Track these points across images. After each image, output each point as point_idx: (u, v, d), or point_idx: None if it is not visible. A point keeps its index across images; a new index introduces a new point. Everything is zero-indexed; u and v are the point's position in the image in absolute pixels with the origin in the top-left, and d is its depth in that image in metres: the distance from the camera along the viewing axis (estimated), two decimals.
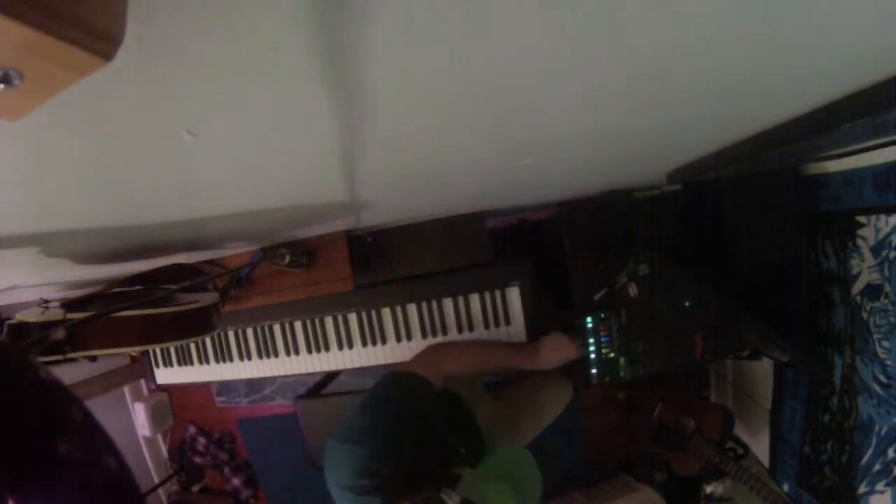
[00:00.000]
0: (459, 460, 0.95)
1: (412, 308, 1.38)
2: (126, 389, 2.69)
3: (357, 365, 1.43)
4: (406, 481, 0.85)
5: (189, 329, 0.92)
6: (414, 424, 0.94)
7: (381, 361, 1.41)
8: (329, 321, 1.42)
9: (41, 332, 0.65)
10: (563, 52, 0.41)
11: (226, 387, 2.67)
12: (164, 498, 2.78)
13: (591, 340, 1.31)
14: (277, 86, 0.38)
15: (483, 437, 1.08)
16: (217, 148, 0.50)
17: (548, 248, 1.68)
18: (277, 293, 1.40)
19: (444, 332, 1.37)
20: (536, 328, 1.33)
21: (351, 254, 1.35)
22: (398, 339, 1.39)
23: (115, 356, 2.52)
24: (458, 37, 0.36)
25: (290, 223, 1.15)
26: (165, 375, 1.63)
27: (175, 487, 2.82)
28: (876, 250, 1.15)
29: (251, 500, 2.72)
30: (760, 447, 1.77)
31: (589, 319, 1.31)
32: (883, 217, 1.11)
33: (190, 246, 1.17)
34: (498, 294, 1.34)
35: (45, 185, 0.51)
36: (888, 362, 1.15)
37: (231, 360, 1.52)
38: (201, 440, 2.74)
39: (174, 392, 2.78)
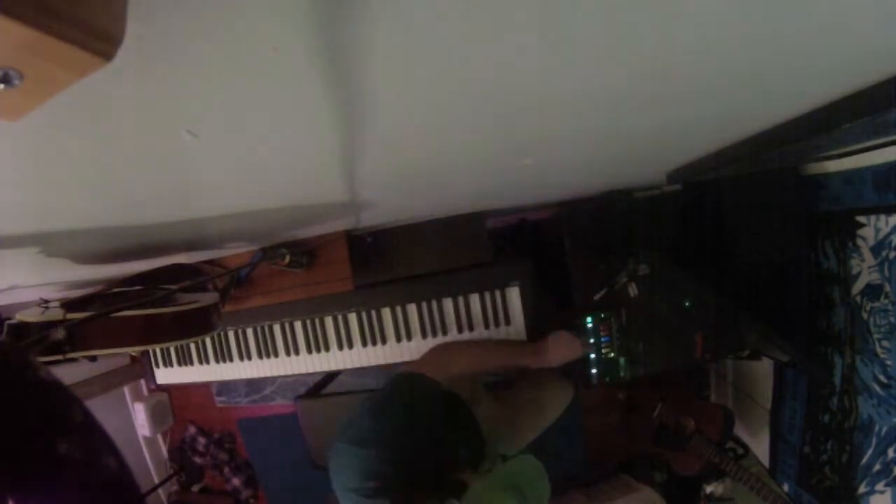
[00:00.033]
0: (461, 463, 0.95)
1: (412, 308, 1.38)
2: (126, 389, 2.69)
3: (357, 365, 1.43)
4: (412, 484, 0.85)
5: (189, 329, 0.92)
6: (421, 426, 0.94)
7: (381, 361, 1.41)
8: (329, 321, 1.42)
9: (41, 332, 0.65)
10: (562, 51, 0.41)
11: (226, 387, 2.67)
12: (164, 498, 2.78)
13: (591, 340, 1.32)
14: (277, 86, 0.38)
15: (484, 438, 1.08)
16: (217, 148, 0.50)
17: (548, 248, 1.68)
18: (277, 293, 1.40)
19: (444, 332, 1.37)
20: (536, 328, 1.33)
21: (351, 254, 1.35)
22: (398, 339, 1.39)
23: (115, 356, 2.52)
24: (457, 37, 0.36)
25: (290, 223, 1.15)
26: (165, 375, 1.63)
27: (175, 487, 2.82)
28: (876, 250, 1.14)
29: (251, 500, 2.72)
30: (760, 447, 1.77)
31: (589, 319, 1.31)
32: (883, 217, 1.11)
33: (190, 246, 1.17)
34: (498, 294, 1.34)
35: (45, 185, 0.51)
36: (888, 362, 1.15)
37: (231, 360, 1.52)
38: (201, 440, 2.74)
39: (174, 392, 2.77)
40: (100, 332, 0.79)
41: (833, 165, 1.22)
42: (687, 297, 1.30)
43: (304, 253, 1.33)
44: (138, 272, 1.11)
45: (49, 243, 0.76)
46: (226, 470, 2.70)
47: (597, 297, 1.30)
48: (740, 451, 1.79)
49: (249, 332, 1.49)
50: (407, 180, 0.87)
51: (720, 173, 1.16)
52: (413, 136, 0.59)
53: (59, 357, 0.69)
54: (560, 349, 1.22)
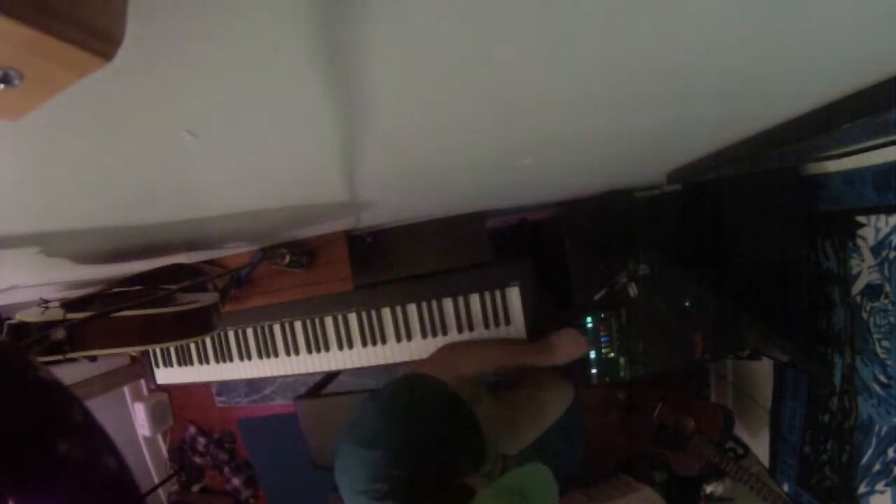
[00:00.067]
0: (463, 464, 0.95)
1: (412, 308, 1.38)
2: (126, 389, 2.69)
3: (357, 365, 1.43)
4: (420, 486, 0.85)
5: (189, 329, 0.92)
6: (428, 428, 0.94)
7: (381, 361, 1.41)
8: (329, 321, 1.42)
9: (41, 332, 0.65)
10: (562, 51, 0.41)
11: (226, 387, 2.67)
12: (164, 498, 2.78)
13: (592, 339, 1.32)
14: (277, 86, 0.38)
15: (485, 439, 1.08)
16: (217, 148, 0.50)
17: (548, 248, 1.68)
18: (277, 293, 1.40)
19: (444, 333, 1.37)
20: (536, 328, 1.33)
21: (351, 254, 1.35)
22: (398, 339, 1.39)
23: (115, 356, 2.52)
24: (457, 37, 0.36)
25: (290, 223, 1.15)
26: (165, 375, 1.63)
27: (175, 487, 2.82)
28: (876, 250, 1.14)
29: (251, 500, 2.72)
30: (760, 447, 1.77)
31: (589, 319, 1.31)
32: (883, 217, 1.11)
33: (190, 246, 1.17)
34: (498, 294, 1.34)
35: (46, 185, 0.51)
36: (888, 362, 1.15)
37: (231, 360, 1.52)
38: (201, 440, 2.74)
39: (174, 392, 2.77)
40: (100, 332, 0.79)
41: (833, 165, 1.22)
42: (687, 297, 1.30)
43: (304, 253, 1.33)
44: (138, 272, 1.11)
45: (49, 243, 0.76)
46: (226, 470, 2.70)
47: (597, 297, 1.30)
48: (740, 451, 1.79)
49: (249, 332, 1.49)
50: (407, 180, 0.87)
51: (720, 173, 1.16)
52: (413, 136, 0.59)
53: (59, 357, 0.69)
54: (567, 346, 1.24)
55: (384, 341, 1.40)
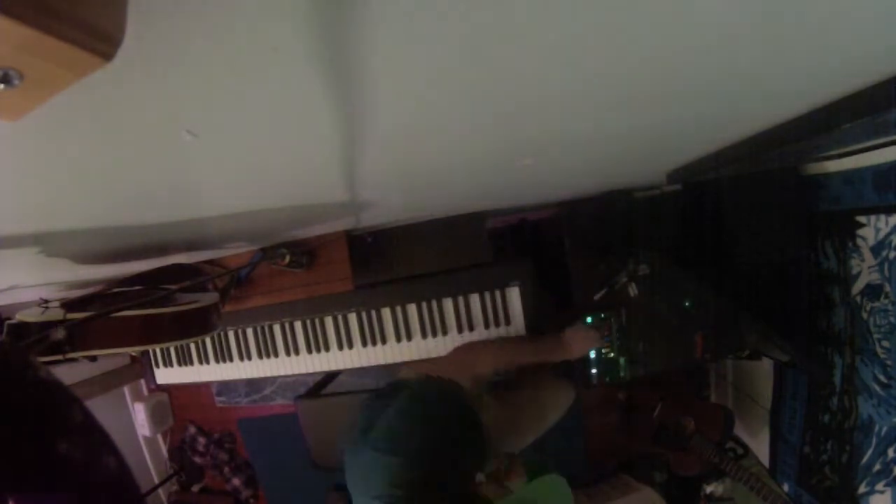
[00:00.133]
0: (473, 469, 0.95)
1: (412, 308, 1.38)
2: (126, 389, 2.69)
3: (357, 365, 1.43)
4: (438, 492, 0.85)
5: (189, 329, 0.92)
6: (447, 435, 0.94)
7: (381, 361, 1.41)
8: (329, 321, 1.42)
9: (41, 332, 0.65)
10: (562, 51, 0.41)
11: (226, 387, 2.67)
12: (164, 498, 2.78)
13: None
14: (277, 86, 0.38)
15: (487, 440, 1.08)
16: (217, 148, 0.50)
17: (548, 248, 1.68)
18: (277, 293, 1.40)
19: (445, 333, 1.37)
20: (537, 328, 1.33)
21: (351, 254, 1.35)
22: (398, 339, 1.39)
23: (115, 356, 2.52)
24: (457, 37, 0.36)
25: (290, 223, 1.15)
26: (165, 375, 1.63)
27: (175, 487, 2.82)
28: (876, 250, 1.14)
29: (251, 500, 2.72)
30: (760, 447, 1.77)
31: (589, 319, 1.31)
32: (883, 217, 1.11)
33: (190, 246, 1.17)
34: (498, 294, 1.34)
35: (46, 185, 0.51)
36: (888, 362, 1.15)
37: (231, 360, 1.52)
38: (201, 440, 2.74)
39: (174, 392, 2.77)
40: (100, 332, 0.79)
41: (833, 165, 1.22)
42: (687, 297, 1.30)
43: (304, 253, 1.33)
44: (138, 272, 1.12)
45: (49, 243, 0.76)
46: (226, 470, 2.70)
47: (597, 297, 1.30)
48: (740, 451, 1.79)
49: (249, 332, 1.49)
50: (407, 180, 0.87)
51: (720, 173, 1.16)
52: (413, 136, 0.59)
53: (59, 357, 0.69)
54: (580, 341, 1.25)
55: (384, 341, 1.40)
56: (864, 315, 1.20)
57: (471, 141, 0.65)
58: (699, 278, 1.30)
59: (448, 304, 1.36)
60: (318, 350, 1.44)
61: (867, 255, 1.17)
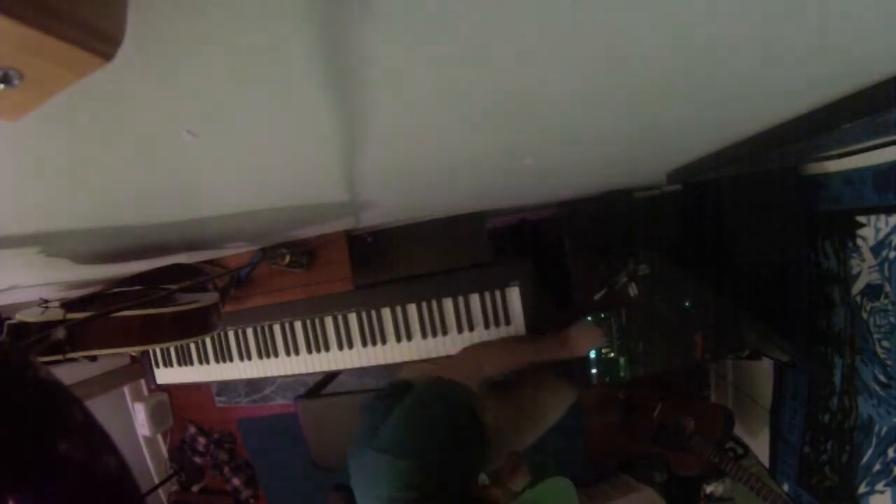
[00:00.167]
0: (475, 471, 0.95)
1: (412, 308, 1.38)
2: (126, 389, 2.69)
3: (357, 365, 1.43)
4: (445, 495, 0.85)
5: (189, 329, 0.92)
6: (455, 437, 0.94)
7: (381, 361, 1.41)
8: (329, 321, 1.42)
9: (41, 332, 0.65)
10: (563, 52, 0.41)
11: (226, 387, 2.67)
12: (164, 498, 2.78)
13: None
14: (277, 85, 0.38)
15: (488, 442, 1.08)
16: (217, 148, 0.50)
17: (548, 248, 1.68)
18: (277, 293, 1.40)
19: (445, 333, 1.37)
20: (537, 328, 1.33)
21: (351, 254, 1.35)
22: (398, 339, 1.39)
23: (115, 356, 2.52)
24: (457, 37, 0.36)
25: (290, 223, 1.15)
26: (165, 375, 1.63)
27: (175, 487, 2.82)
28: (876, 250, 1.14)
29: (251, 500, 2.72)
30: (760, 447, 1.77)
31: (589, 319, 1.31)
32: (883, 217, 1.11)
33: (190, 246, 1.17)
34: (498, 294, 1.34)
35: (46, 185, 0.51)
36: (888, 362, 1.15)
37: (231, 360, 1.52)
38: (201, 440, 2.74)
39: (174, 392, 2.77)
40: (100, 332, 0.79)
41: (833, 165, 1.22)
42: (687, 297, 1.30)
43: (304, 253, 1.33)
44: (138, 272, 1.11)
45: (49, 243, 0.76)
46: (226, 470, 2.70)
47: (597, 297, 1.30)
48: (740, 451, 1.79)
49: (249, 332, 1.49)
50: (407, 180, 0.87)
51: (720, 173, 1.16)
52: (413, 136, 0.59)
53: (59, 357, 0.69)
54: (584, 338, 1.26)
55: (384, 341, 1.40)
56: (864, 315, 1.20)
57: (471, 141, 0.65)
58: (699, 278, 1.30)
59: (448, 304, 1.36)
60: (318, 350, 1.44)
61: (867, 255, 1.17)
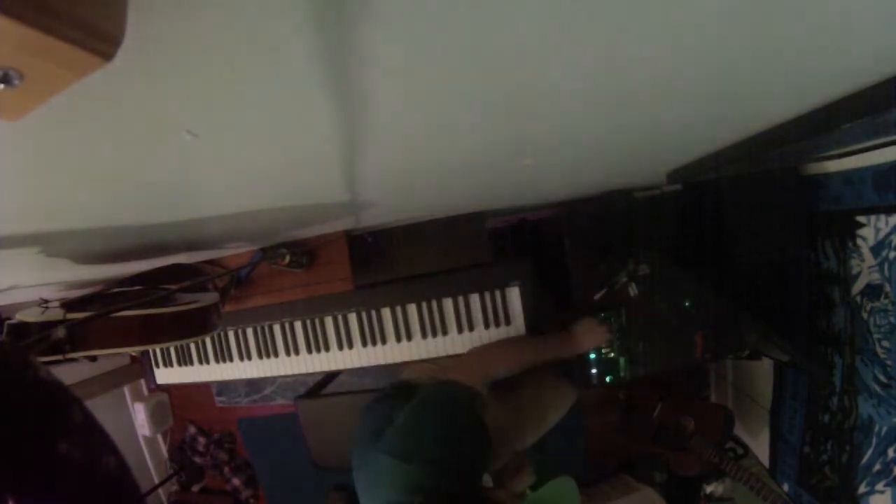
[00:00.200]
0: (479, 474, 0.95)
1: (412, 308, 1.38)
2: (126, 389, 2.69)
3: (357, 365, 1.43)
4: (452, 498, 0.85)
5: (189, 329, 0.92)
6: (462, 440, 0.94)
7: (381, 361, 1.41)
8: (329, 321, 1.42)
9: (41, 332, 0.65)
10: (563, 53, 0.41)
11: (226, 387, 2.67)
12: (164, 498, 2.78)
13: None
14: (277, 85, 0.38)
15: (490, 444, 1.08)
16: (217, 148, 0.50)
17: (548, 248, 1.68)
18: (277, 293, 1.40)
19: (445, 333, 1.37)
20: (537, 328, 1.33)
21: (351, 254, 1.35)
22: (398, 339, 1.39)
23: (115, 356, 2.52)
24: (457, 38, 0.36)
25: (290, 223, 1.15)
26: (165, 375, 1.63)
27: (175, 487, 2.82)
28: (876, 250, 1.14)
29: (251, 500, 2.72)
30: (760, 447, 1.77)
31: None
32: (883, 217, 1.11)
33: (190, 246, 1.17)
34: (498, 294, 1.34)
35: (45, 186, 0.51)
36: (888, 362, 1.15)
37: (231, 360, 1.52)
38: (201, 440, 2.74)
39: (174, 392, 2.77)
40: (100, 332, 0.79)
41: (833, 165, 1.22)
42: (687, 297, 1.30)
43: (304, 253, 1.33)
44: (138, 272, 1.12)
45: (49, 243, 0.76)
46: (226, 470, 2.70)
47: (597, 297, 1.30)
48: (740, 451, 1.79)
49: (249, 332, 1.49)
50: (407, 180, 0.87)
51: (720, 173, 1.16)
52: (412, 136, 0.59)
53: (59, 357, 0.69)
54: (588, 335, 1.26)
55: (384, 341, 1.40)
56: (864, 315, 1.20)
57: (470, 141, 0.65)
58: (699, 278, 1.30)
59: (448, 304, 1.36)
60: (318, 350, 1.44)
61: (867, 255, 1.17)
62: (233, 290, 1.37)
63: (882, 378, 1.18)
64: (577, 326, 1.27)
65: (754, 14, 0.39)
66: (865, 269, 1.18)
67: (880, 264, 1.14)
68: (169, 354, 1.60)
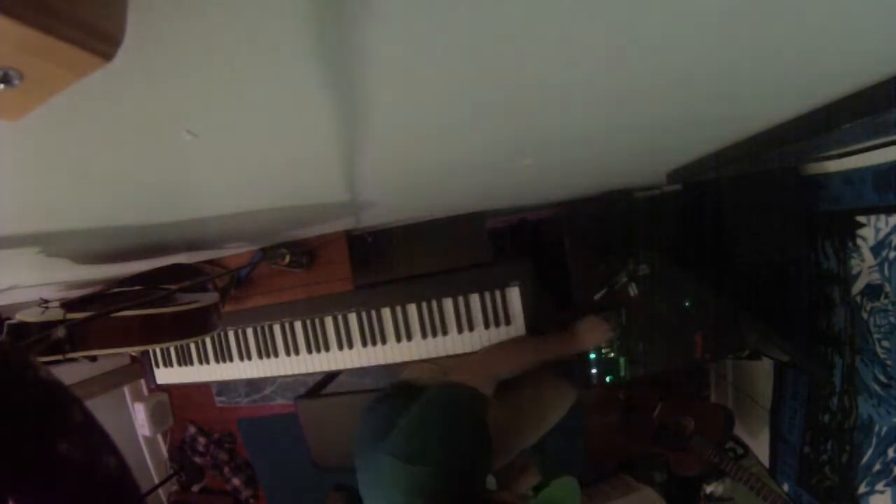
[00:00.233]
0: (484, 474, 0.95)
1: (412, 308, 1.38)
2: (126, 389, 2.69)
3: (357, 365, 1.43)
4: (454, 501, 0.85)
5: (189, 329, 0.92)
6: (468, 443, 0.94)
7: (381, 361, 1.41)
8: (329, 321, 1.42)
9: (41, 332, 0.65)
10: (563, 53, 0.41)
11: (226, 387, 2.67)
12: (164, 498, 2.78)
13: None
14: (278, 85, 0.38)
15: (491, 446, 1.07)
16: (217, 148, 0.50)
17: (548, 248, 1.68)
18: (277, 293, 1.40)
19: (445, 333, 1.37)
20: (537, 328, 1.33)
21: (351, 254, 1.35)
22: (398, 339, 1.39)
23: (115, 356, 2.52)
24: (457, 37, 0.36)
25: (290, 223, 1.15)
26: (165, 375, 1.63)
27: (175, 487, 2.82)
28: (876, 250, 1.14)
29: (251, 500, 2.72)
30: (760, 447, 1.77)
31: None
32: (883, 217, 1.11)
33: (190, 246, 1.17)
34: (498, 294, 1.34)
35: (45, 186, 0.51)
36: (888, 362, 1.15)
37: (231, 360, 1.52)
38: (201, 440, 2.74)
39: (174, 392, 2.77)
40: (100, 332, 0.79)
41: (833, 165, 1.22)
42: (687, 297, 1.30)
43: (304, 253, 1.33)
44: (138, 272, 1.12)
45: (49, 243, 0.76)
46: (226, 470, 2.70)
47: (597, 297, 1.30)
48: (740, 451, 1.79)
49: (249, 332, 1.49)
50: (407, 180, 0.87)
51: (720, 173, 1.16)
52: (412, 136, 0.59)
53: (59, 357, 0.69)
54: (592, 332, 1.26)
55: (384, 341, 1.40)
56: (864, 315, 1.20)
57: (470, 141, 0.65)
58: (699, 278, 1.30)
59: (448, 304, 1.36)
60: (318, 350, 1.44)
61: (867, 255, 1.17)
62: (233, 290, 1.37)
63: (882, 378, 1.18)
64: (581, 324, 1.27)
65: (754, 14, 0.39)
66: (865, 269, 1.18)
67: (880, 264, 1.14)
68: (169, 354, 1.60)
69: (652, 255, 1.28)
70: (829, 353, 1.34)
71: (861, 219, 1.17)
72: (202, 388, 2.69)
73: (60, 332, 0.64)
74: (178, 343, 1.08)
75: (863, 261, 1.19)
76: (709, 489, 1.84)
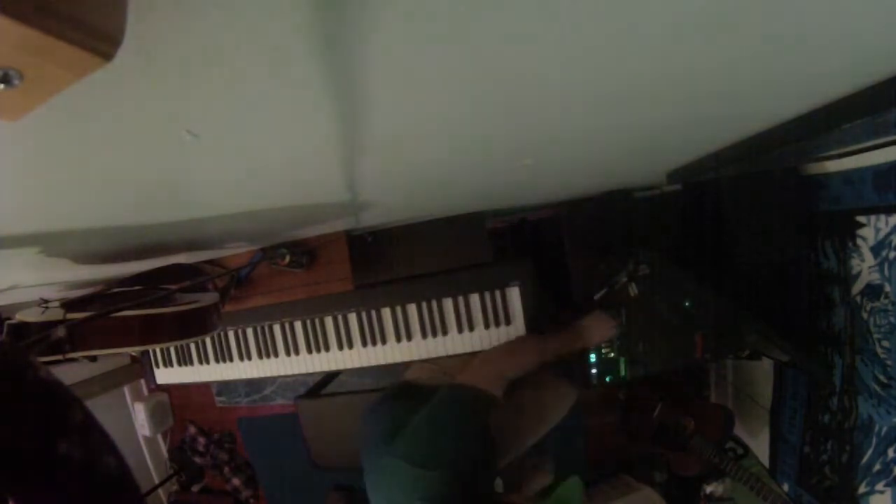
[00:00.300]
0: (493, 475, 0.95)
1: (412, 308, 1.38)
2: (126, 389, 2.68)
3: (357, 365, 1.43)
4: (465, 502, 0.85)
5: (189, 329, 0.92)
6: (476, 445, 0.94)
7: (381, 361, 1.41)
8: (329, 321, 1.42)
9: (41, 332, 0.65)
10: (563, 53, 0.41)
11: (226, 387, 2.67)
12: (164, 498, 2.77)
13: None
14: (278, 85, 0.38)
15: (493, 447, 1.07)
16: (217, 148, 0.50)
17: (548, 248, 1.68)
18: (277, 293, 1.40)
19: (445, 332, 1.37)
20: (537, 328, 1.33)
21: (351, 254, 1.35)
22: (398, 339, 1.39)
23: (115, 356, 2.52)
24: (457, 38, 0.36)
25: (290, 223, 1.15)
26: (165, 375, 1.63)
27: (175, 487, 2.81)
28: (876, 250, 1.14)
29: (251, 500, 2.72)
30: (760, 447, 1.77)
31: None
32: (883, 217, 1.11)
33: (190, 246, 1.17)
34: (498, 294, 1.34)
35: (45, 186, 0.51)
36: (888, 362, 1.15)
37: (231, 360, 1.52)
38: (201, 440, 2.74)
39: (174, 392, 2.77)
40: (100, 332, 0.79)
41: (833, 165, 1.22)
42: (687, 297, 1.30)
43: (304, 253, 1.33)
44: (138, 272, 1.11)
45: (49, 243, 0.76)
46: (226, 470, 2.70)
47: (597, 297, 1.30)
48: (740, 451, 1.79)
49: (249, 332, 1.49)
50: (406, 180, 0.87)
51: (720, 173, 1.16)
52: (413, 138, 0.59)
53: (59, 357, 0.69)
54: (596, 329, 1.26)
55: (384, 341, 1.40)
56: (864, 315, 1.20)
57: (470, 141, 0.65)
58: (699, 278, 1.30)
59: (448, 304, 1.36)
60: (318, 350, 1.44)
61: (867, 255, 1.17)
62: (233, 290, 1.37)
63: (882, 378, 1.18)
64: (586, 320, 1.27)
65: (754, 14, 0.39)
66: (865, 269, 1.18)
67: (880, 264, 1.14)
68: (169, 354, 1.60)
69: (652, 255, 1.28)
70: (829, 353, 1.34)
71: (861, 219, 1.17)
72: (202, 388, 2.69)
73: (60, 332, 0.64)
74: (178, 343, 1.08)
75: (863, 261, 1.19)
76: (709, 489, 1.84)
